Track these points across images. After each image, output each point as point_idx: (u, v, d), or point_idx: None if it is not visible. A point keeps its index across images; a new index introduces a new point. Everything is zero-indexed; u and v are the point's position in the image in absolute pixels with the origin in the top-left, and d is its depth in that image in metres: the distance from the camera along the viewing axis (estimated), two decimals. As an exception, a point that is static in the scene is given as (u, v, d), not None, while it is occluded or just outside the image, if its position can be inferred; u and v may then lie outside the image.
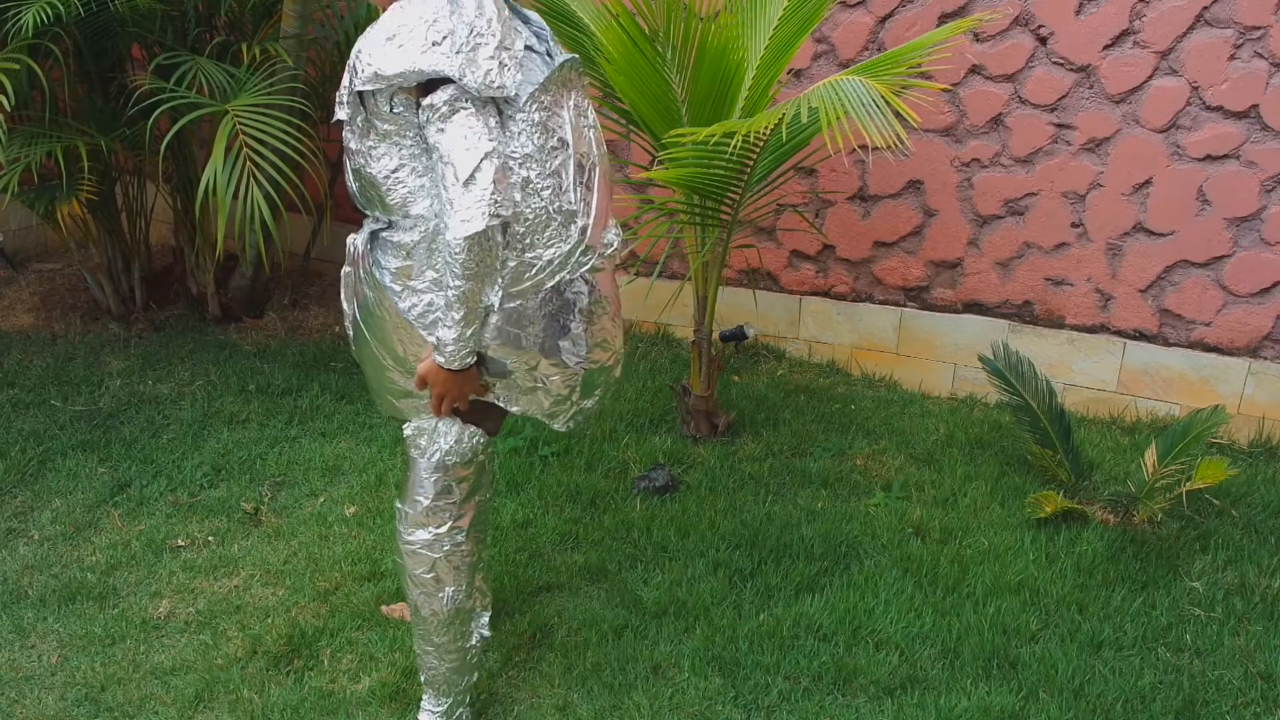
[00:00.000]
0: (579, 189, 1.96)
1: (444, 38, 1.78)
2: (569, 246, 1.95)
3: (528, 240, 1.92)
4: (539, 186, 1.90)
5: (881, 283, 4.19)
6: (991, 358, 3.48)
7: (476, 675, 2.36)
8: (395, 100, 1.84)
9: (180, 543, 3.08)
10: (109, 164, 4.28)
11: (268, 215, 3.55)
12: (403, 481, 2.20)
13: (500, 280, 1.92)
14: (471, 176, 1.77)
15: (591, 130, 2.02)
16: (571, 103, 1.97)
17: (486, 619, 2.49)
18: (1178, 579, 2.93)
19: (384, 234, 1.99)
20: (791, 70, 4.08)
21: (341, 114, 1.96)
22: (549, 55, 2.00)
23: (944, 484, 3.39)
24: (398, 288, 1.97)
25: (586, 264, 2.00)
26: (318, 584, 2.89)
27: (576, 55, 2.01)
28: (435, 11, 1.81)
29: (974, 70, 3.83)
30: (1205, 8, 3.48)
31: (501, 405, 2.09)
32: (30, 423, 3.69)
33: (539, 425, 3.67)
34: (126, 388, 3.97)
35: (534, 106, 1.89)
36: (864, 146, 4.00)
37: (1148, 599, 2.85)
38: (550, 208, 1.92)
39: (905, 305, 4.18)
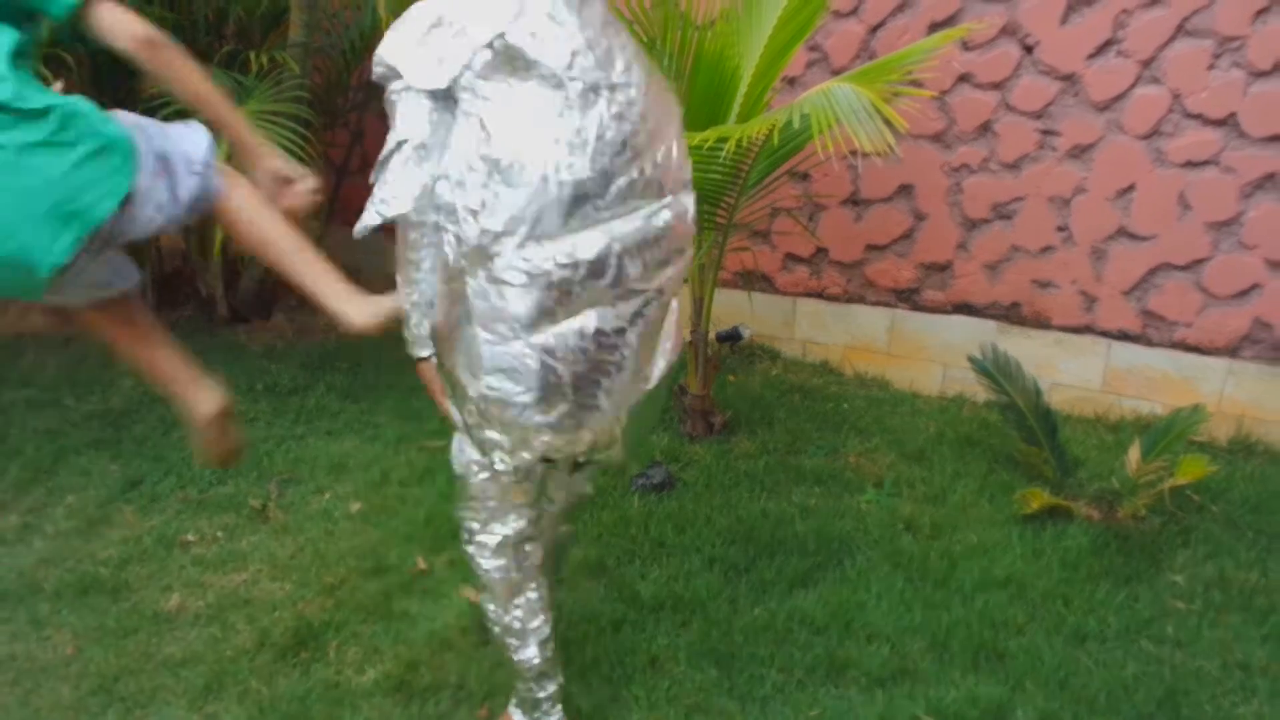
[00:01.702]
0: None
1: (411, 23, 1.78)
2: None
3: (492, 251, 1.74)
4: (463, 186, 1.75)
5: (873, 285, 4.19)
6: (980, 358, 3.48)
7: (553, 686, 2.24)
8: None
9: (190, 538, 3.08)
10: (121, 169, 4.27)
11: None
12: None
13: (423, 286, 1.85)
14: (381, 162, 1.77)
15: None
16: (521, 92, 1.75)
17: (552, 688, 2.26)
18: (1160, 573, 2.94)
19: None
20: (786, 77, 4.08)
21: None
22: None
23: (934, 481, 3.40)
24: None
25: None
26: (324, 579, 2.88)
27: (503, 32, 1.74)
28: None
29: (963, 78, 3.84)
30: (1186, 18, 3.48)
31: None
32: (44, 421, 3.69)
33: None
34: (137, 387, 3.97)
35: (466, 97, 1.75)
36: (855, 152, 4.01)
37: (1131, 592, 2.85)
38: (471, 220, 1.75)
39: (896, 306, 4.18)
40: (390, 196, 1.76)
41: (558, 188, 1.73)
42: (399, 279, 1.85)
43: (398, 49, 1.77)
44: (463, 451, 2.04)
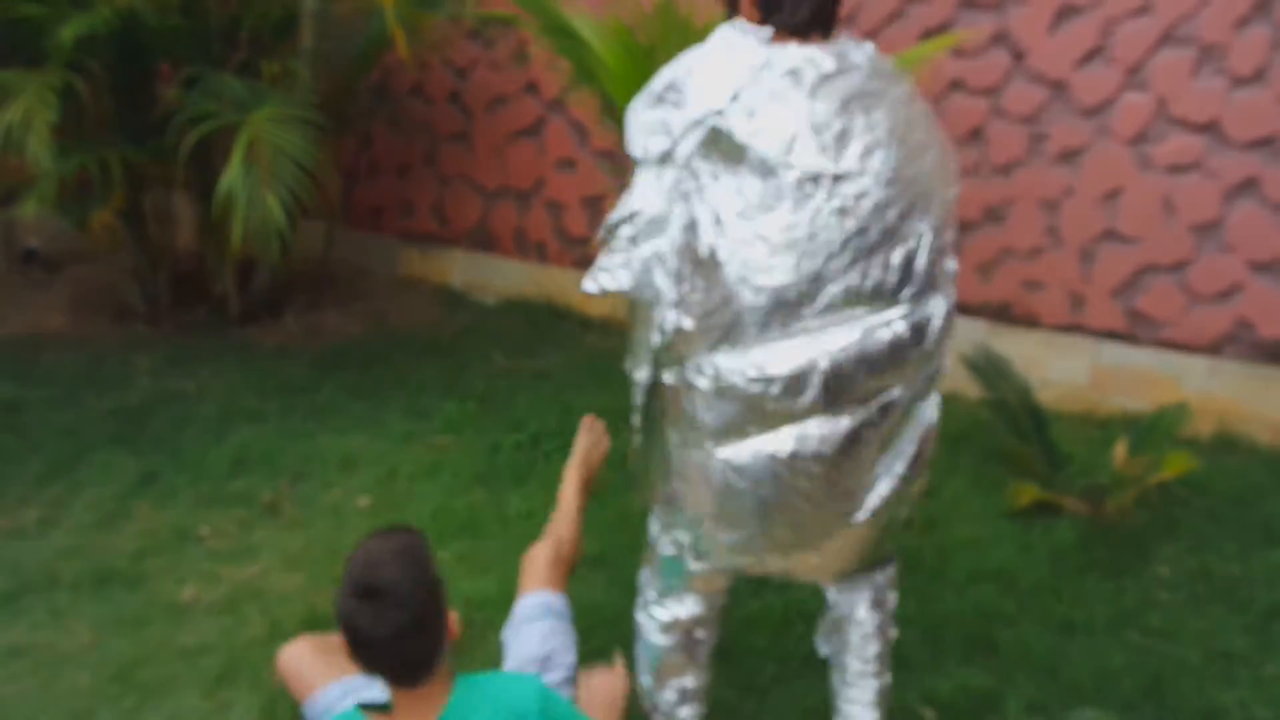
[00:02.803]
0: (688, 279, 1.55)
1: (654, 85, 1.60)
2: (705, 381, 1.57)
3: (683, 349, 1.57)
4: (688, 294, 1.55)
5: (867, 286, 4.18)
6: (972, 357, 3.48)
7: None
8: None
9: (204, 532, 3.08)
10: (138, 174, 4.27)
11: (282, 221, 3.54)
12: None
13: (645, 365, 1.64)
14: (608, 231, 1.59)
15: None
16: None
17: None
18: (1146, 565, 2.94)
19: None
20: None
21: None
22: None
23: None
24: None
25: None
26: (334, 571, 2.86)
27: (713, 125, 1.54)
28: (692, 54, 1.61)
29: (954, 85, 3.84)
30: (1171, 27, 3.48)
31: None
32: (64, 418, 3.69)
33: (540, 420, 3.67)
34: (154, 385, 3.97)
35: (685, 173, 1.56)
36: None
37: (1118, 584, 2.85)
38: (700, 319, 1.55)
39: (889, 307, 4.18)
40: (612, 267, 1.58)
41: (753, 293, 1.51)
42: (628, 352, 1.66)
43: (631, 112, 1.60)
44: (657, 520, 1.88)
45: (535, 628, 2.08)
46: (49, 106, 3.49)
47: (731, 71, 1.54)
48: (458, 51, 4.76)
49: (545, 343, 4.45)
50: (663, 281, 1.55)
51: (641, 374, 1.65)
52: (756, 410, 1.54)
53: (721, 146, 1.53)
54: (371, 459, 3.49)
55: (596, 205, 4.61)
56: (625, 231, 1.58)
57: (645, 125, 1.58)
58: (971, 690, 2.43)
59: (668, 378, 1.60)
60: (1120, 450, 3.17)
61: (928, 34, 3.79)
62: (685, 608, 1.92)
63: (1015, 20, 3.69)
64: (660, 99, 1.59)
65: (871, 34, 3.89)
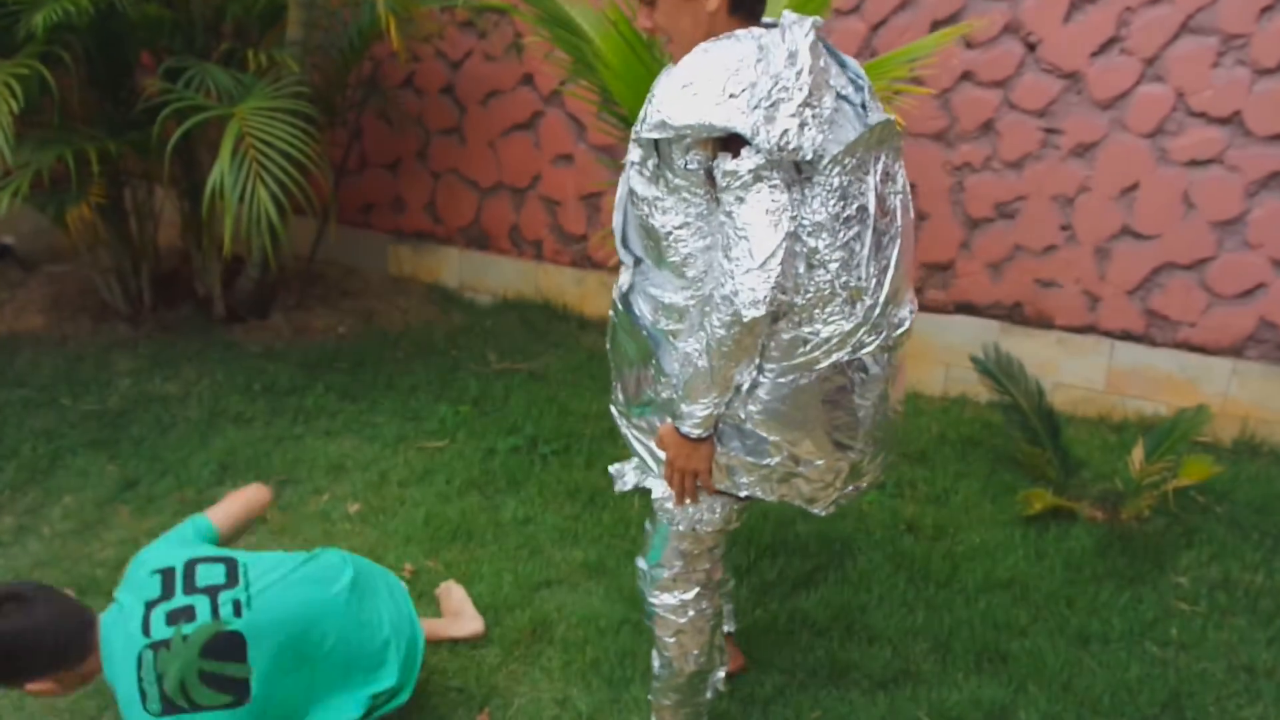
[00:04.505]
0: (871, 264, 1.75)
1: (744, 90, 1.64)
2: (850, 325, 1.75)
3: (807, 314, 1.74)
4: (826, 259, 1.71)
5: (874, 284, 4.18)
6: (983, 358, 3.48)
7: None
8: (690, 155, 1.70)
9: (188, 539, 3.07)
10: (118, 168, 4.26)
11: (274, 216, 3.54)
12: (647, 540, 2.09)
13: (759, 359, 1.77)
14: (770, 257, 1.64)
15: (898, 197, 1.80)
16: (880, 167, 1.77)
17: (722, 674, 2.33)
18: (1164, 574, 2.93)
19: (652, 290, 1.88)
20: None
21: (633, 155, 1.84)
22: (863, 108, 1.80)
23: (936, 482, 3.39)
24: (665, 343, 1.87)
25: (871, 345, 1.78)
26: (322, 579, 2.87)
27: (893, 117, 1.77)
28: (739, 60, 1.66)
29: (965, 76, 3.83)
30: (1189, 16, 3.48)
31: (754, 495, 1.91)
32: (41, 421, 3.68)
33: (537, 423, 3.66)
34: (135, 387, 3.96)
35: (835, 170, 1.70)
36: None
37: (1135, 594, 2.85)
38: (836, 282, 1.72)
39: (897, 306, 4.17)
40: (786, 278, 1.69)
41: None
42: (720, 367, 1.74)
43: (731, 112, 1.64)
44: (714, 510, 1.99)
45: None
46: (13, 95, 3.47)
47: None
48: (451, 42, 4.76)
49: (541, 343, 4.44)
50: (865, 269, 1.78)
51: (744, 377, 1.79)
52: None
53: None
54: (362, 463, 3.48)
55: (594, 202, 4.60)
56: (786, 252, 1.71)
57: (786, 125, 1.66)
58: (982, 703, 2.43)
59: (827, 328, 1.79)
60: (1137, 455, 3.17)
61: (938, 24, 3.79)
62: (720, 570, 2.12)
63: (1028, 9, 3.68)
64: (771, 100, 1.67)
65: (880, 24, 3.88)
